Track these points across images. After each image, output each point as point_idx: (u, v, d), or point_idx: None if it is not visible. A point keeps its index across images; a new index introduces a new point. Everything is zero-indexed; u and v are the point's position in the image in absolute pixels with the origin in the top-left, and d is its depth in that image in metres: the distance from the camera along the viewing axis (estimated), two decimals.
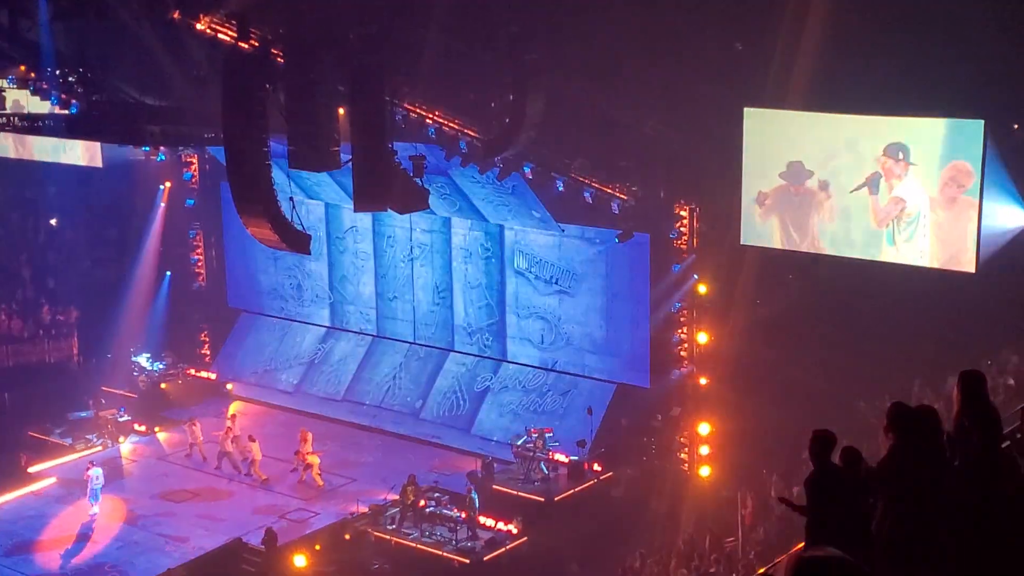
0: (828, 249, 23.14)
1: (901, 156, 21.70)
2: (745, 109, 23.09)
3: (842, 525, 8.12)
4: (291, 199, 24.64)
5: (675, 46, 23.19)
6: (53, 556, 25.52)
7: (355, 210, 25.76)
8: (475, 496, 25.48)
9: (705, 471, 26.05)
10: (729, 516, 22.95)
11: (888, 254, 22.27)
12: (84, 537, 26.34)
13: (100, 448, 30.68)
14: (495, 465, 27.60)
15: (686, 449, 26.97)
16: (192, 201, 36.54)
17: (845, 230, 22.87)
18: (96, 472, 27.08)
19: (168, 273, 37.02)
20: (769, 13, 21.83)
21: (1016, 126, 21.53)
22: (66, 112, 29.16)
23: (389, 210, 25.94)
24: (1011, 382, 20.31)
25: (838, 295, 23.98)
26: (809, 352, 24.10)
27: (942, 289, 21.90)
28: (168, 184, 36.76)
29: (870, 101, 21.69)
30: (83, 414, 31.81)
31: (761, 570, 17.52)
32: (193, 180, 36.38)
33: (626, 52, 23.72)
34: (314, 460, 28.30)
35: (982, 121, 20.51)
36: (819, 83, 21.67)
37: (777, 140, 23.44)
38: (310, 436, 28.68)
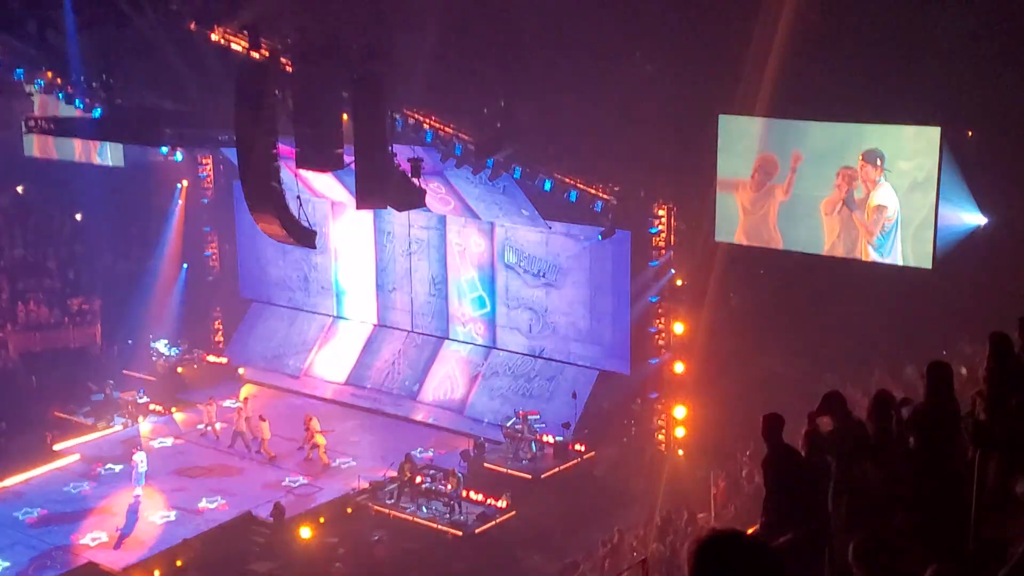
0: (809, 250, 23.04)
1: (879, 163, 21.57)
2: (720, 116, 22.95)
3: (797, 502, 8.03)
4: (298, 197, 24.50)
5: (655, 56, 23.06)
6: (76, 527, 25.28)
7: (357, 208, 25.62)
8: (460, 475, 25.38)
9: (680, 452, 25.92)
10: (702, 494, 22.81)
11: (873, 257, 22.16)
12: (105, 510, 26.14)
13: (121, 427, 30.53)
14: (486, 445, 27.46)
15: (663, 431, 26.86)
16: (207, 199, 36.39)
17: (819, 236, 22.78)
18: (141, 456, 26.81)
19: (185, 265, 36.88)
20: (742, 27, 21.70)
21: (970, 132, 21.40)
22: (90, 116, 29.01)
23: (389, 208, 25.80)
24: (963, 371, 20.13)
25: (804, 289, 23.86)
26: (777, 341, 24.00)
27: (901, 283, 21.80)
28: (185, 183, 36.63)
29: (836, 109, 21.58)
30: (97, 397, 31.59)
31: None
32: (208, 179, 36.25)
33: (609, 62, 23.59)
34: (320, 440, 28.10)
35: (939, 128, 20.41)
36: (789, 91, 21.53)
37: (749, 146, 23.31)
38: (315, 419, 28.48)
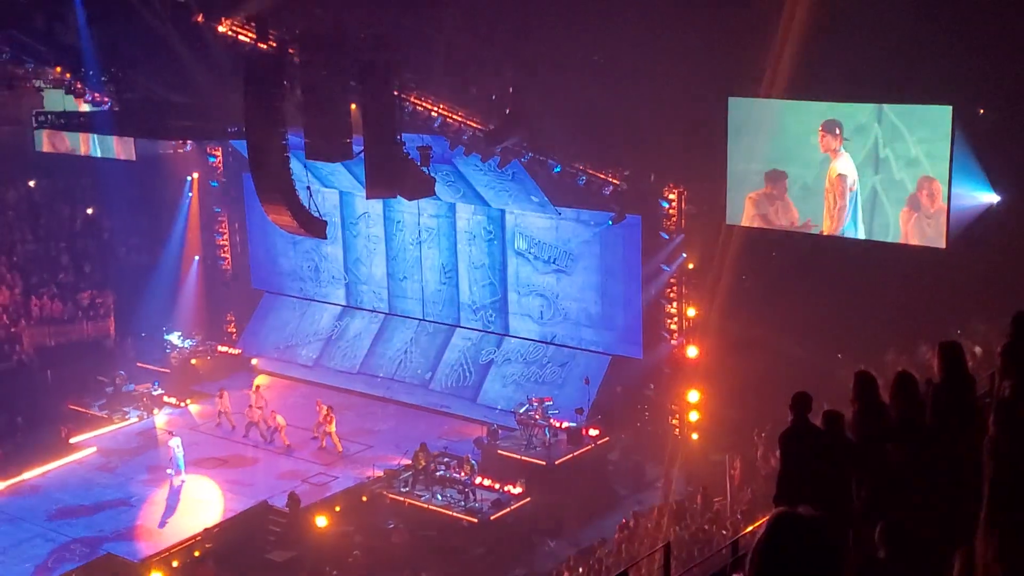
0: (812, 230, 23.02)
1: (838, 132, 21.63)
2: (729, 99, 22.82)
3: (815, 482, 7.97)
4: (308, 188, 24.51)
5: (664, 39, 22.93)
6: (93, 520, 25.32)
7: (367, 197, 25.61)
8: (474, 462, 25.35)
9: (695, 435, 25.84)
10: (718, 478, 22.75)
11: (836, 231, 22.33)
12: (122, 502, 26.17)
13: (136, 420, 30.54)
14: (500, 432, 27.41)
15: (677, 415, 26.79)
16: (216, 183, 36.36)
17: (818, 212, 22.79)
18: (176, 442, 26.90)
19: (197, 258, 36.89)
20: (751, 7, 21.59)
21: (982, 111, 21.24)
22: (99, 110, 28.98)
23: (399, 197, 25.74)
24: (978, 350, 20.02)
25: (817, 270, 23.75)
26: (791, 323, 23.87)
27: (915, 263, 21.68)
28: (196, 175, 36.64)
29: (848, 89, 21.45)
30: (109, 390, 31.64)
31: (748, 528, 17.28)
32: (218, 164, 36.13)
33: (618, 45, 23.48)
34: (330, 428, 28.08)
35: (950, 107, 20.26)
36: (798, 73, 21.40)
37: (758, 127, 23.19)
38: (325, 407, 28.46)
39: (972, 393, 8.05)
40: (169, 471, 26.66)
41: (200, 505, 25.72)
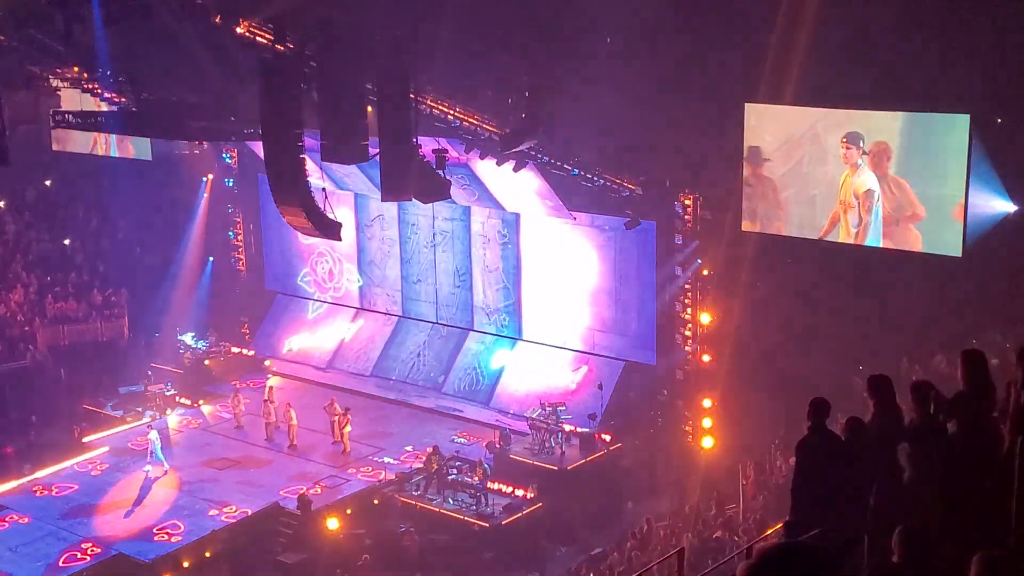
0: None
1: (861, 144, 21.65)
2: (746, 105, 22.83)
3: (832, 489, 7.98)
4: (323, 190, 24.52)
5: (681, 45, 22.97)
6: (106, 519, 25.43)
7: (382, 200, 25.65)
8: (487, 466, 25.37)
9: (708, 442, 25.82)
10: (731, 485, 22.74)
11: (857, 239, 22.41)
12: (134, 501, 26.26)
13: (149, 420, 30.63)
14: (512, 436, 27.43)
15: (690, 422, 26.77)
16: (231, 181, 36.43)
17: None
18: (154, 435, 27.19)
19: (211, 258, 37.01)
20: (766, 14, 21.60)
21: (999, 120, 21.20)
22: (116, 110, 29.10)
23: (413, 199, 25.79)
24: (995, 361, 19.94)
25: (832, 277, 23.72)
26: (805, 331, 23.86)
27: (930, 272, 21.65)
28: (211, 176, 36.76)
29: (863, 96, 21.45)
30: (133, 388, 31.80)
31: (762, 536, 17.26)
32: (233, 164, 36.25)
33: (633, 52, 23.51)
34: (345, 430, 28.19)
35: (968, 116, 20.24)
36: (815, 80, 21.42)
37: (776, 135, 23.19)
38: (341, 408, 28.57)
39: (993, 401, 8.07)
40: (146, 467, 27.04)
41: (210, 506, 25.78)
